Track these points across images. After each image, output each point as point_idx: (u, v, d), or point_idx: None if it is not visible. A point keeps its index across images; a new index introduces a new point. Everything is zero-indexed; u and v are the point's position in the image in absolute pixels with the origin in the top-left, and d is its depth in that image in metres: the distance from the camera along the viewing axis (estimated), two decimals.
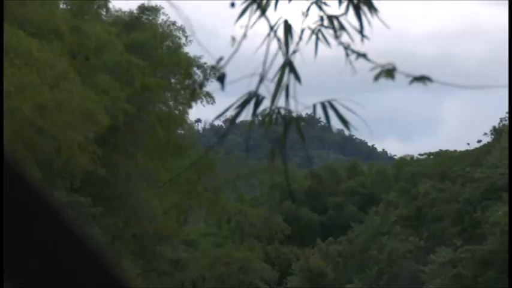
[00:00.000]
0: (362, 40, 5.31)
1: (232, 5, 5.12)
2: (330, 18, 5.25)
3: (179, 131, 44.03)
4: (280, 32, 5.16)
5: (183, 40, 41.60)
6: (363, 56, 5.38)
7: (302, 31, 5.22)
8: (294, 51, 5.16)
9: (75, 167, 36.23)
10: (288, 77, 5.14)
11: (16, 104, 32.88)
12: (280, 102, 5.15)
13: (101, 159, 37.66)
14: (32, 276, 1.57)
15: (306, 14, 5.29)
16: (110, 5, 43.29)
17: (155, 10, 41.38)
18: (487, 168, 60.02)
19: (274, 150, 5.45)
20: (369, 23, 5.22)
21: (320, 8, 5.23)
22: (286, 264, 63.82)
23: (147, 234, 41.59)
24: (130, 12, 43.33)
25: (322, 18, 5.27)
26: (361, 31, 5.27)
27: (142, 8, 41.43)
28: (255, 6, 5.11)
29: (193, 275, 47.72)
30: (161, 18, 41.47)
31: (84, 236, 1.53)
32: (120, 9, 44.34)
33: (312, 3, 5.24)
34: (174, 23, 40.75)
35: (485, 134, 67.71)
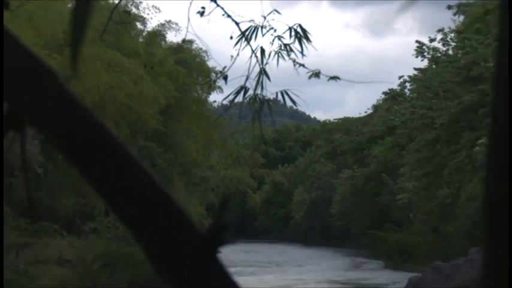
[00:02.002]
0: (302, 57, 5.30)
1: (231, 37, 5.11)
2: (285, 45, 5.24)
3: (204, 107, 44.28)
4: (258, 53, 5.16)
5: (205, 57, 41.60)
6: (302, 65, 5.40)
7: (270, 52, 5.21)
8: (266, 63, 5.15)
9: (148, 127, 36.47)
10: (262, 77, 5.14)
11: (116, 93, 33.07)
12: (258, 91, 5.19)
13: (162, 123, 37.91)
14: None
15: (272, 42, 5.28)
16: (166, 39, 43.32)
17: (190, 41, 41.31)
18: (370, 127, 60.25)
19: (255, 117, 5.49)
20: (306, 47, 5.22)
21: (279, 39, 5.20)
22: (262, 179, 64.13)
23: (187, 162, 41.87)
24: (178, 43, 43.28)
25: (281, 45, 5.25)
26: (301, 52, 5.25)
27: (184, 40, 41.32)
28: (243, 38, 5.12)
29: (212, 185, 48.20)
30: (194, 45, 41.39)
31: (147, 166, 1.48)
32: (172, 41, 44.36)
33: (275, 37, 5.23)
34: (201, 48, 40.69)
35: (368, 108, 67.97)
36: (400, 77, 49.31)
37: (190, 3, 5.09)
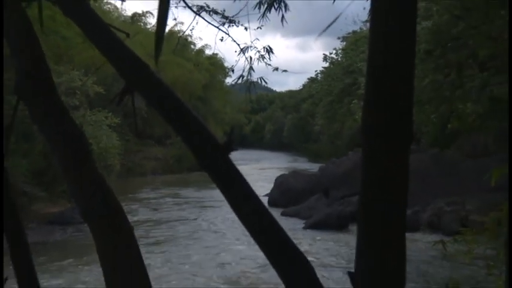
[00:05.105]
0: (269, 60, 5.18)
1: (235, 51, 4.98)
2: (261, 55, 5.11)
3: (223, 85, 43.46)
4: (249, 58, 5.06)
5: (224, 60, 40.53)
6: (270, 64, 5.27)
7: (254, 58, 5.08)
8: (252, 63, 5.02)
9: (196, 94, 35.99)
10: (250, 70, 5.03)
11: (181, 78, 32.50)
12: (249, 77, 5.10)
13: (202, 92, 37.39)
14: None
15: (255, 54, 5.14)
16: (205, 52, 42.24)
17: (216, 54, 40.21)
18: (301, 94, 59.29)
19: (247, 90, 5.38)
20: (271, 56, 5.12)
21: (259, 52, 5.06)
22: (250, 119, 64.31)
23: (215, 111, 40.78)
24: (211, 54, 42.13)
25: (259, 55, 5.11)
26: (269, 58, 5.13)
27: (213, 53, 40.40)
28: (242, 52, 5.01)
29: (227, 121, 45.38)
30: (218, 55, 40.39)
31: (195, 113, 1.45)
32: (208, 53, 43.02)
33: (257, 51, 5.10)
34: (221, 56, 39.56)
35: (301, 86, 67.44)
36: (315, 71, 49.91)
37: (216, 35, 4.98)
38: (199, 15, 4.50)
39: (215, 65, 40.61)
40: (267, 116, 74.54)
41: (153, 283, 1.64)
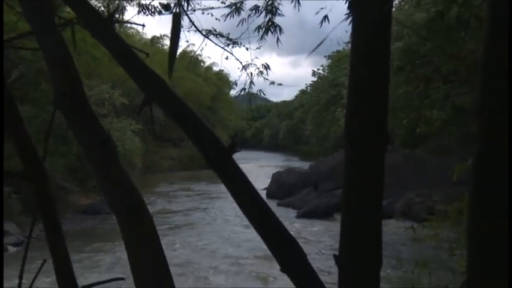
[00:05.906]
0: (267, 75, 5.13)
1: (238, 68, 4.95)
2: (260, 71, 5.06)
3: (227, 96, 43.09)
4: (250, 74, 5.02)
5: (228, 75, 40.30)
6: (267, 79, 5.22)
7: (254, 74, 5.04)
8: (253, 78, 4.98)
9: (205, 104, 35.64)
10: (251, 84, 4.99)
11: (192, 91, 32.28)
12: (250, 89, 5.05)
13: (211, 102, 37.17)
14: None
15: (255, 70, 5.11)
16: (213, 69, 42.01)
17: (222, 70, 40.23)
18: (294, 103, 58.75)
19: (248, 100, 5.32)
20: (268, 71, 5.09)
21: (258, 68, 5.02)
22: (251, 125, 63.96)
23: (221, 118, 40.38)
24: (217, 70, 41.83)
25: (258, 72, 5.07)
26: (266, 73, 5.09)
27: (219, 69, 40.20)
28: (244, 68, 4.98)
29: (231, 127, 44.47)
30: (224, 71, 40.19)
31: (204, 121, 1.43)
32: (215, 70, 42.71)
33: (256, 68, 5.05)
34: (227, 72, 39.30)
35: (294, 97, 66.90)
36: (306, 84, 49.85)
37: (222, 54, 4.95)
38: (207, 37, 4.48)
39: (221, 80, 40.35)
40: (265, 122, 74.19)
41: (169, 262, 1.62)
